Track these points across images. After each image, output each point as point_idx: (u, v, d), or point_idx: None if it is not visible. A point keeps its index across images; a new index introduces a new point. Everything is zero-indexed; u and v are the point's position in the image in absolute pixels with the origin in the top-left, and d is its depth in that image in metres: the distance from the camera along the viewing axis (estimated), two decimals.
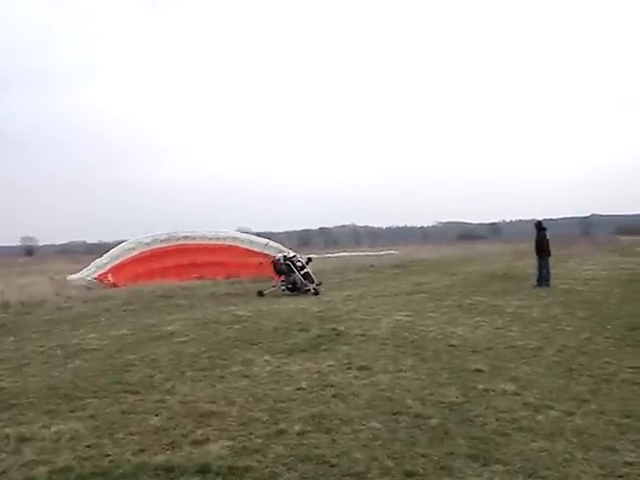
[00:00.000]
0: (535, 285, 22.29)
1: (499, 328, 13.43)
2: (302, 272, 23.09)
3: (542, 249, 22.97)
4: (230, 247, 25.32)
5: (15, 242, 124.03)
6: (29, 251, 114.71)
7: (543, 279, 22.50)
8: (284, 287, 22.97)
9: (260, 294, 22.17)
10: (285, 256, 23.39)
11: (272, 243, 27.41)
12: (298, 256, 24.15)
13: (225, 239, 24.98)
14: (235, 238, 25.75)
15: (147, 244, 22.55)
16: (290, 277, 22.91)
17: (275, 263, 23.36)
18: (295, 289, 22.70)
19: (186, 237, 23.09)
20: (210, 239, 24.04)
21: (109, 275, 22.05)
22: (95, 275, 21.87)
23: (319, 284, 22.92)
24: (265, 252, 26.04)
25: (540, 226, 23.58)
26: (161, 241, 22.74)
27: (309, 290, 22.35)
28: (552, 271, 23.08)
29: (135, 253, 23.12)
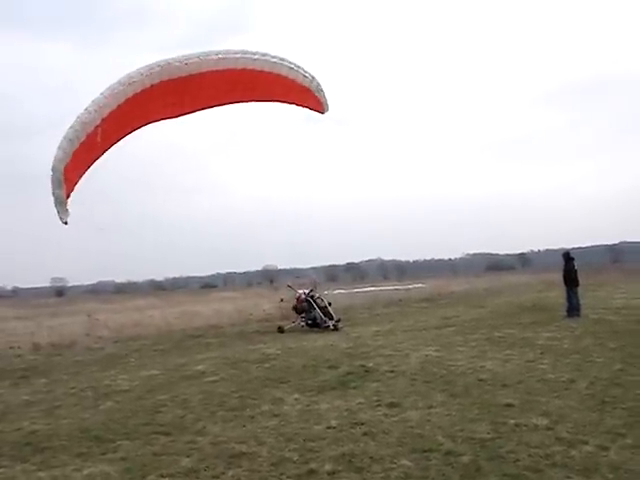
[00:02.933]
0: (565, 316, 22.04)
1: (529, 361, 13.27)
2: (323, 310, 23.23)
3: (571, 279, 22.78)
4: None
5: (45, 283, 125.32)
6: (59, 292, 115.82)
7: (573, 309, 22.24)
8: (304, 323, 23.23)
9: (280, 330, 22.48)
10: (306, 292, 23.60)
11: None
12: (321, 295, 24.21)
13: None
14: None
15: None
16: (310, 313, 23.17)
17: (298, 299, 23.57)
18: (315, 325, 22.90)
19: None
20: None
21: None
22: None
23: (338, 320, 22.93)
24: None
25: (568, 256, 23.40)
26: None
27: (328, 326, 22.46)
28: (582, 301, 22.83)
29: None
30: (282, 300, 25.37)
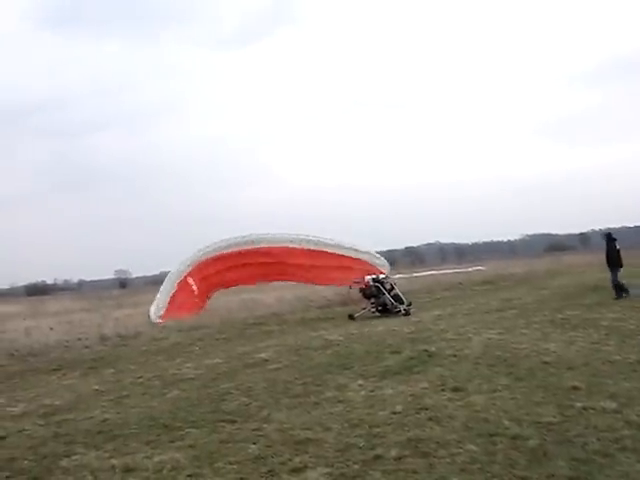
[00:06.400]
0: (615, 298, 21.61)
1: (595, 343, 13.07)
2: (391, 293, 23.02)
3: (612, 260, 22.40)
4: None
5: (109, 275, 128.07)
6: (123, 283, 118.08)
7: (621, 290, 21.84)
8: (374, 309, 22.95)
9: (351, 317, 22.24)
10: (374, 278, 23.27)
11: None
12: (389, 277, 24.14)
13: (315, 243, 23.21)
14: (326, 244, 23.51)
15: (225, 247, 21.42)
16: (380, 299, 22.87)
17: (364, 286, 23.25)
18: (385, 310, 22.67)
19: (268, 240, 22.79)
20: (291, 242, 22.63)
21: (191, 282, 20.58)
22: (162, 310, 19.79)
23: (409, 304, 22.79)
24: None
25: (609, 237, 22.91)
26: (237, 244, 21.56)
27: (399, 311, 22.26)
28: (623, 281, 22.39)
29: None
30: (351, 287, 24.87)
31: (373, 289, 22.99)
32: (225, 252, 20.79)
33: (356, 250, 23.90)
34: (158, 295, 19.09)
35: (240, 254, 21.14)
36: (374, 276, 23.41)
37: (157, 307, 18.35)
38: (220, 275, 21.36)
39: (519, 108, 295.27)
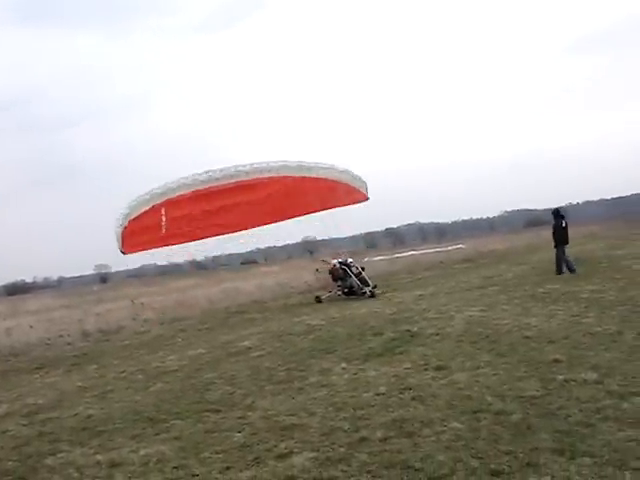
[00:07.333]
0: (556, 273, 22.01)
1: (575, 315, 13.13)
2: (359, 277, 23.40)
3: (558, 237, 22.52)
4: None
5: (90, 271, 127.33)
6: (103, 278, 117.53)
7: (561, 267, 22.18)
8: (340, 292, 23.40)
9: (318, 300, 22.90)
10: (341, 262, 23.65)
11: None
12: (354, 262, 24.35)
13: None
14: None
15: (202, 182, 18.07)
16: (346, 282, 23.27)
17: (333, 269, 23.65)
18: (352, 293, 23.08)
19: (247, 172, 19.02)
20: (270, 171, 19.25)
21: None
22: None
23: (374, 287, 23.14)
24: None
25: (557, 213, 23.01)
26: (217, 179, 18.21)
27: (365, 293, 22.63)
28: (569, 258, 22.59)
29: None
30: (318, 270, 25.61)
31: (340, 272, 23.35)
32: (203, 189, 18.08)
33: (334, 169, 21.83)
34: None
35: (217, 193, 18.45)
36: (341, 259, 23.75)
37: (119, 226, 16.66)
38: (195, 220, 18.35)
39: (492, 88, 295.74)
